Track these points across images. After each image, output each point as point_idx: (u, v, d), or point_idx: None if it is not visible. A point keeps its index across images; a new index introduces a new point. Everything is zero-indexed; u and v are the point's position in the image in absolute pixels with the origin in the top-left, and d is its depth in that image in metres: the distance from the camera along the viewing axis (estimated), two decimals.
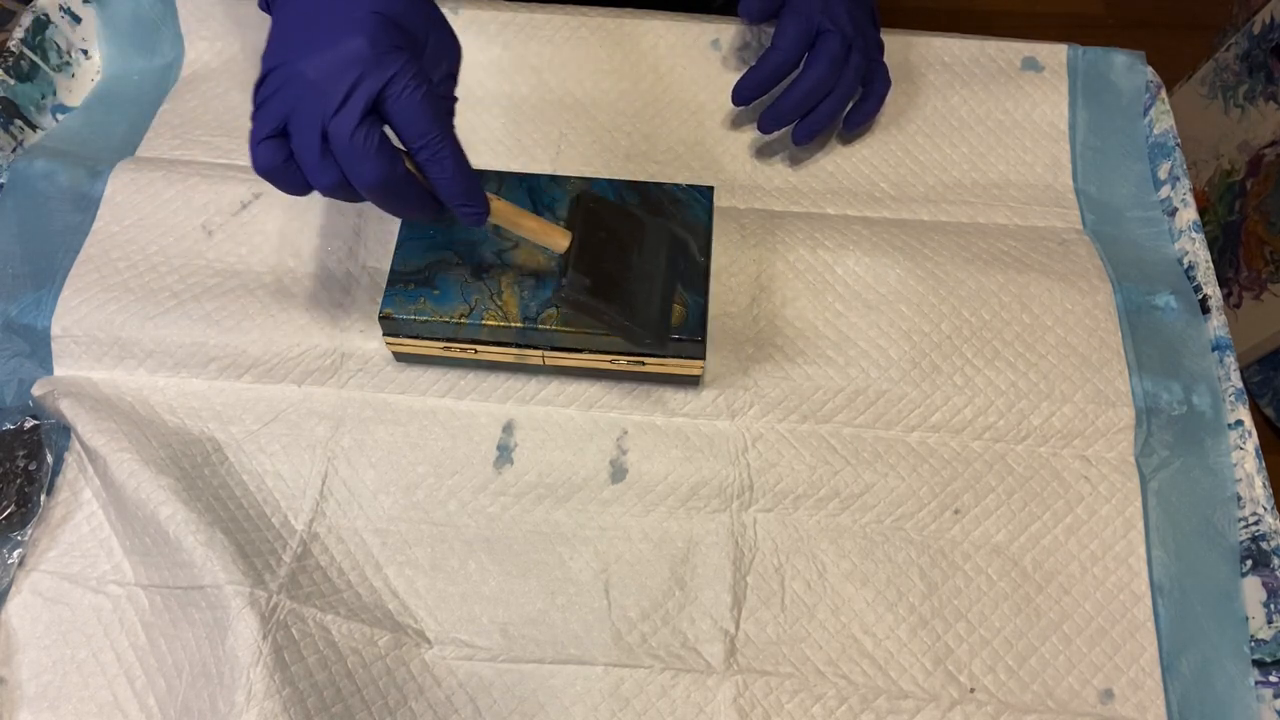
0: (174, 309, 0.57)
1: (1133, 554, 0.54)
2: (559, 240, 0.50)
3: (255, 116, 0.43)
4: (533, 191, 0.56)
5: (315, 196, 0.61)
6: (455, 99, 0.48)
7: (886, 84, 0.65)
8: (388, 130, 0.44)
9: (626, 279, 0.51)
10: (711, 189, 0.56)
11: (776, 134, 0.65)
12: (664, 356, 0.53)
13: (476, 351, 0.55)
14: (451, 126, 0.45)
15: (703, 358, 0.54)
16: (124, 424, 0.53)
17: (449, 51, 0.47)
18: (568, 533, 0.54)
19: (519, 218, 0.49)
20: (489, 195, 0.47)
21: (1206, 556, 0.54)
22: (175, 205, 0.61)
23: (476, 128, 0.66)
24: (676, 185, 0.56)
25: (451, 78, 0.48)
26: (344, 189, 0.44)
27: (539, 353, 0.54)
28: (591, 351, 0.54)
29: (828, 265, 0.60)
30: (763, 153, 0.66)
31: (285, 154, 0.43)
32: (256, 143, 0.43)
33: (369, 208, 0.60)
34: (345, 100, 0.42)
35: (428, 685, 0.50)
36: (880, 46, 0.65)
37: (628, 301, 0.50)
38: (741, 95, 0.63)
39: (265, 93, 0.43)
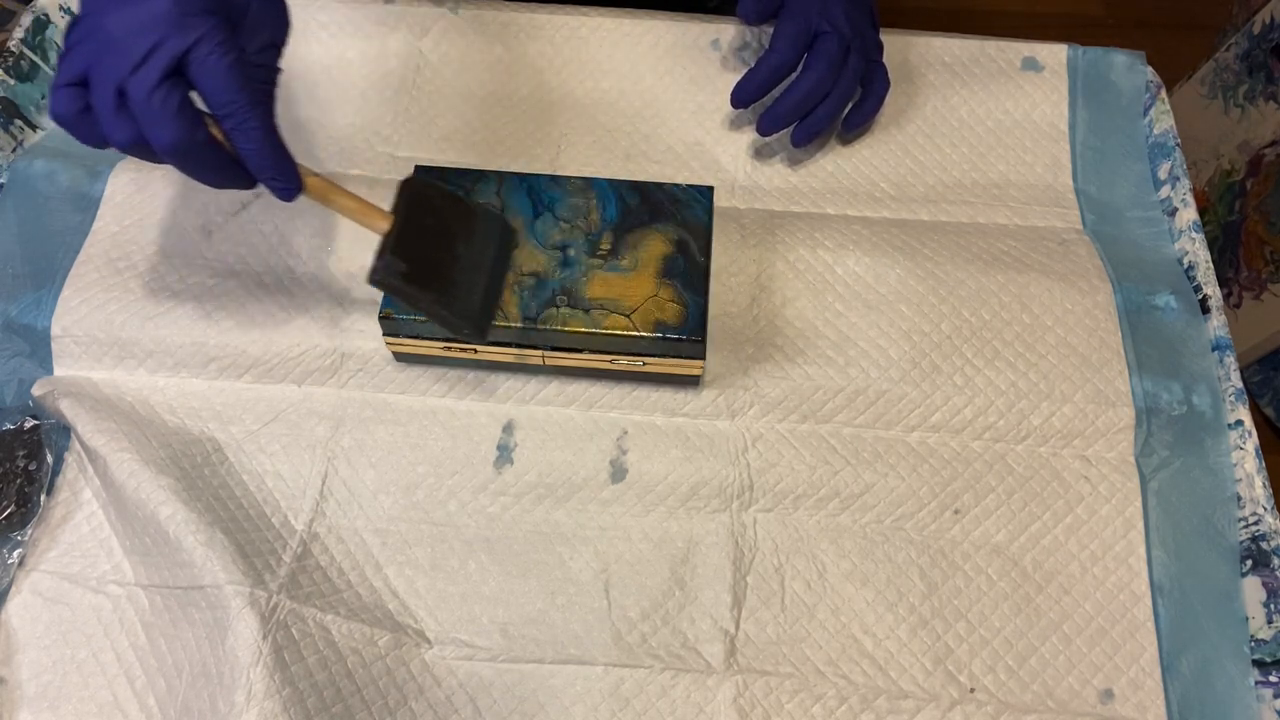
0: (174, 309, 0.57)
1: (1133, 554, 0.54)
2: (379, 222, 0.49)
3: (60, 61, 0.43)
4: (533, 191, 0.56)
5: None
6: (278, 70, 0.47)
7: (885, 85, 0.65)
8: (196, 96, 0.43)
9: (449, 267, 0.50)
10: (711, 189, 0.56)
11: (777, 136, 0.65)
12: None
13: (476, 351, 0.55)
14: (265, 96, 0.45)
15: (703, 358, 0.54)
16: (124, 424, 0.53)
17: (273, 21, 0.46)
18: (568, 533, 0.54)
19: (337, 196, 0.49)
20: (305, 170, 0.47)
21: (1206, 556, 0.54)
22: (175, 205, 0.61)
23: (477, 128, 0.66)
24: (676, 185, 0.56)
25: (274, 48, 0.47)
26: (141, 148, 0.44)
27: (539, 353, 0.54)
28: (591, 351, 0.54)
29: (828, 265, 0.60)
30: (763, 153, 0.66)
31: (83, 104, 0.43)
32: (56, 87, 0.43)
33: None
34: (144, 60, 0.41)
35: (428, 685, 0.50)
36: (879, 47, 0.65)
37: (447, 290, 0.50)
38: (740, 98, 0.63)
39: (71, 40, 0.43)
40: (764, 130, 0.63)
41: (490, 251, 0.52)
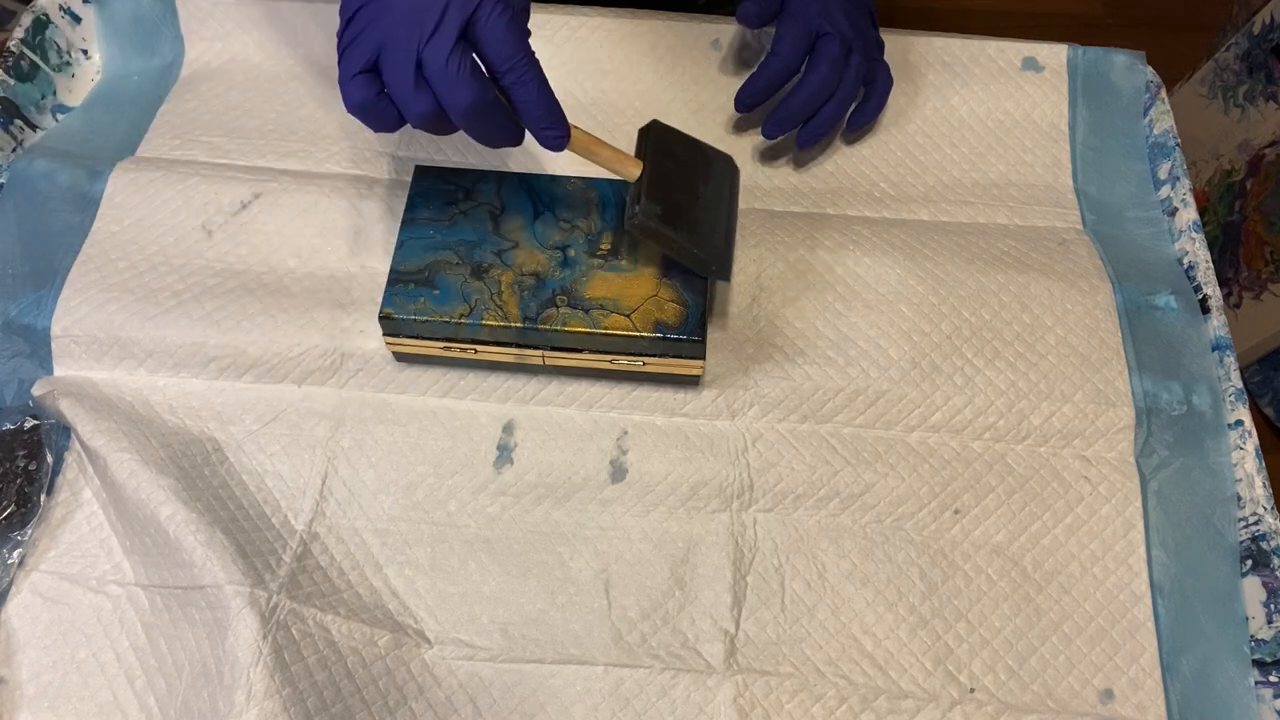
0: (174, 309, 0.57)
1: (1133, 554, 0.54)
2: (632, 169, 0.52)
3: (344, 54, 0.45)
4: (532, 191, 0.56)
5: (313, 194, 0.61)
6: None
7: (888, 83, 0.65)
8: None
9: (694, 208, 0.52)
10: None
11: (779, 138, 0.65)
12: (664, 352, 0.53)
13: (476, 351, 0.55)
14: (532, 50, 0.47)
15: (703, 358, 0.54)
16: (124, 424, 0.53)
17: None
18: (568, 533, 0.54)
19: (595, 145, 0.51)
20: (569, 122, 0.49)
21: (1206, 556, 0.54)
22: (175, 205, 0.61)
23: None
24: None
25: (528, 4, 0.49)
26: (437, 118, 0.45)
27: (539, 353, 0.54)
28: (591, 351, 0.54)
29: (828, 265, 0.60)
30: (763, 153, 0.66)
31: (377, 88, 0.45)
32: (348, 79, 0.45)
33: (368, 206, 0.61)
34: (438, 26, 0.43)
35: (428, 685, 0.50)
36: (880, 45, 0.65)
37: (695, 229, 0.52)
38: (744, 102, 0.63)
39: (354, 30, 0.45)
40: (770, 134, 0.63)
41: (725, 191, 0.55)
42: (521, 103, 0.47)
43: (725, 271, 0.53)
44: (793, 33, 0.61)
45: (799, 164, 0.66)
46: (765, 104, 0.64)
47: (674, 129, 0.55)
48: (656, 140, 0.53)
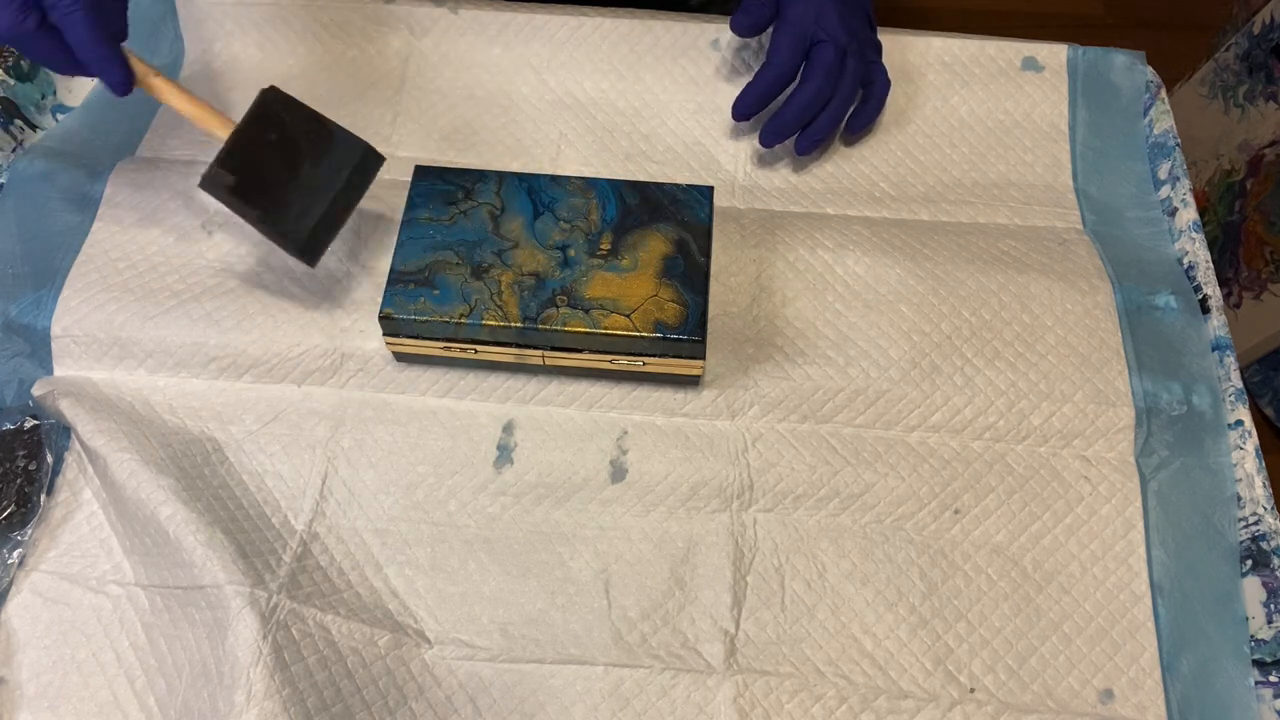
0: (174, 309, 0.57)
1: (1133, 554, 0.54)
2: (217, 130, 0.53)
3: None
4: (533, 191, 0.56)
5: None
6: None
7: (885, 85, 0.65)
8: None
9: (283, 186, 0.52)
10: (711, 189, 0.56)
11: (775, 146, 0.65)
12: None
13: (476, 351, 0.55)
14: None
15: (703, 358, 0.54)
16: (124, 424, 0.53)
17: None
18: (568, 533, 0.54)
19: (176, 97, 0.53)
20: (148, 69, 0.52)
21: (1206, 556, 0.54)
22: (175, 205, 0.61)
23: (477, 128, 0.66)
24: (676, 185, 0.56)
25: None
26: None
27: (539, 353, 0.54)
28: (591, 351, 0.54)
29: (828, 265, 0.60)
30: (763, 153, 0.66)
31: None
32: None
33: (368, 206, 0.61)
34: None
35: (428, 685, 0.50)
36: (877, 47, 0.65)
37: (276, 209, 0.52)
38: (741, 110, 0.63)
39: None
40: (766, 142, 0.63)
41: (342, 177, 0.54)
42: (71, 41, 0.49)
43: (307, 256, 0.53)
44: (787, 40, 0.61)
45: (799, 164, 0.66)
46: (763, 112, 0.64)
47: (299, 103, 0.54)
48: (264, 109, 0.53)
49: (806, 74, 0.62)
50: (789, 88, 0.63)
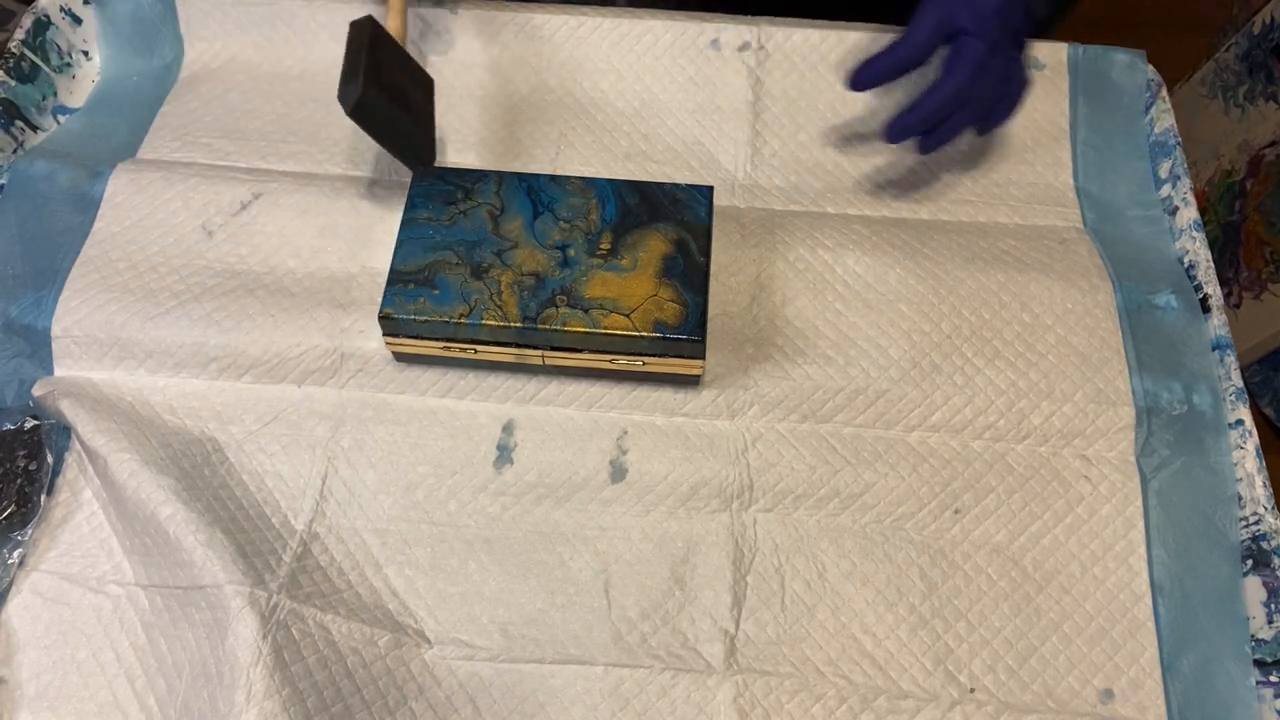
0: (174, 309, 0.57)
1: (1133, 554, 0.54)
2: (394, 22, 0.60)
3: None
4: (533, 191, 0.56)
5: (313, 194, 0.61)
6: None
7: (1022, 85, 0.60)
8: None
9: (408, 100, 0.58)
10: (711, 189, 0.56)
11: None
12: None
13: (476, 351, 0.55)
14: None
15: (703, 358, 0.54)
16: (124, 424, 0.53)
17: None
18: (568, 533, 0.54)
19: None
20: None
21: (1207, 556, 0.53)
22: (175, 206, 0.61)
23: (477, 128, 0.66)
24: (676, 185, 0.56)
25: None
26: None
27: (539, 353, 0.54)
28: (591, 351, 0.54)
29: (828, 265, 0.60)
30: (763, 153, 0.66)
31: None
32: None
33: (368, 206, 0.61)
34: None
35: (428, 685, 0.50)
36: (1022, 44, 0.59)
37: (415, 121, 0.58)
38: (861, 78, 0.58)
39: None
40: (893, 138, 0.59)
41: (422, 94, 0.60)
42: None
43: (430, 162, 0.59)
44: (930, 22, 0.55)
45: (799, 163, 0.66)
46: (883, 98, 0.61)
47: (385, 30, 0.58)
48: (375, 34, 0.56)
49: (951, 67, 0.56)
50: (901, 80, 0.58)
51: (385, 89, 0.55)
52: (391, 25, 0.60)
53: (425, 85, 0.61)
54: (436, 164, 0.61)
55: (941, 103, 0.57)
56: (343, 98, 0.54)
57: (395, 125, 0.56)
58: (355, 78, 0.53)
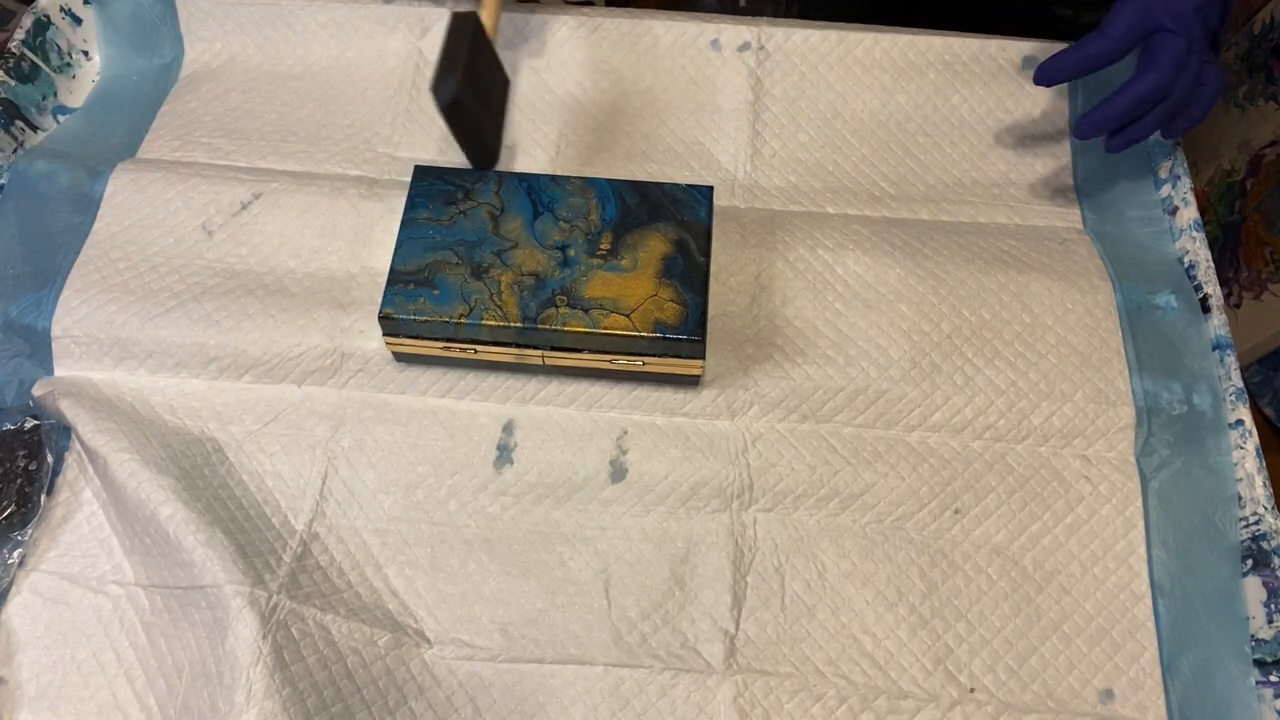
0: (174, 309, 0.57)
1: (1133, 554, 0.54)
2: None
3: None
4: (533, 191, 0.56)
5: (313, 194, 0.61)
6: None
7: (1216, 88, 0.57)
8: None
9: (488, 101, 0.60)
10: (711, 189, 0.56)
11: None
12: (661, 356, 0.53)
13: (476, 351, 0.55)
14: None
15: (703, 358, 0.54)
16: (124, 424, 0.53)
17: None
18: (568, 533, 0.54)
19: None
20: None
21: (1207, 556, 0.53)
22: (175, 206, 0.61)
23: None
24: (676, 185, 0.56)
25: None
26: None
27: (539, 353, 0.54)
28: (591, 351, 0.54)
29: (828, 265, 0.60)
30: (763, 153, 0.66)
31: None
32: None
33: (368, 206, 0.61)
34: None
35: (428, 685, 0.50)
36: (1218, 45, 0.58)
37: (492, 122, 0.61)
38: (1046, 76, 0.57)
39: None
40: (1084, 134, 0.57)
41: (496, 94, 0.61)
42: None
43: (494, 162, 0.62)
44: (1130, 18, 0.54)
45: (799, 163, 0.66)
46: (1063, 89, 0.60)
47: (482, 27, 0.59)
48: (475, 33, 0.57)
49: (1148, 63, 0.55)
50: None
51: (477, 91, 0.56)
52: (486, 20, 0.60)
53: (503, 86, 0.63)
54: (435, 165, 0.61)
55: (1139, 99, 0.55)
56: (437, 92, 0.55)
57: (476, 125, 0.58)
58: (454, 76, 0.54)
